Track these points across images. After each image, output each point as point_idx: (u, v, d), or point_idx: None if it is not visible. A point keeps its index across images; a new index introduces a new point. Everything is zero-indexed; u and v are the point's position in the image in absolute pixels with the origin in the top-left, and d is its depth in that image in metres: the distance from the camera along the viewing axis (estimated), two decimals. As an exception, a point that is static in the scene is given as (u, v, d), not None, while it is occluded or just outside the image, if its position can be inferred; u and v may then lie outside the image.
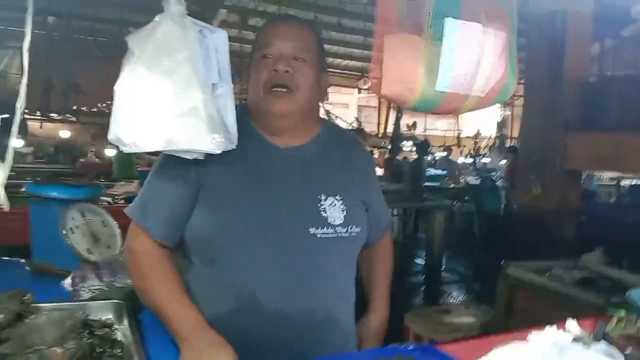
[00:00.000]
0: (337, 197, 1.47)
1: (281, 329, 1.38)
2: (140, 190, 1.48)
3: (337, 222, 1.44)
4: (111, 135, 1.27)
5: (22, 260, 1.96)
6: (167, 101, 1.29)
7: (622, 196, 8.62)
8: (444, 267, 6.95)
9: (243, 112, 1.48)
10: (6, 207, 1.29)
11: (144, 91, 1.29)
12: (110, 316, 1.40)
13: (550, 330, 0.77)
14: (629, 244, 5.30)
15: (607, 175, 10.67)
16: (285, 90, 1.44)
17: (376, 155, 11.67)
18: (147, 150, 1.33)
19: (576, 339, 0.81)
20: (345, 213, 1.46)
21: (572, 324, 0.85)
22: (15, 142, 1.45)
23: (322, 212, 1.43)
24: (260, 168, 1.45)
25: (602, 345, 0.83)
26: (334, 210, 1.45)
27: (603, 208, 7.47)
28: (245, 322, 1.37)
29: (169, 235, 1.41)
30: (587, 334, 0.84)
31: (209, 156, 1.36)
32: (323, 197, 1.45)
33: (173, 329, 1.31)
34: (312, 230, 1.40)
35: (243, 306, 1.38)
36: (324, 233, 1.42)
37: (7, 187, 1.36)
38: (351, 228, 1.46)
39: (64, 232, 1.89)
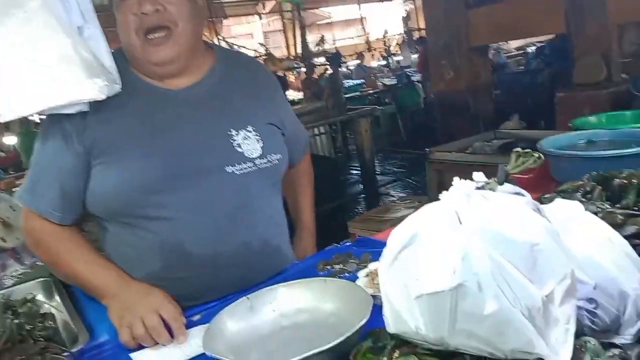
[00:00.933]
0: (249, 128, 1.40)
1: (216, 272, 1.36)
2: (28, 173, 1.38)
3: (255, 154, 1.39)
4: (-21, 107, 1.16)
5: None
6: (34, 55, 1.18)
7: (529, 62, 8.98)
8: (378, 171, 7.13)
9: (120, 58, 1.35)
10: None
11: (6, 50, 1.18)
12: (40, 296, 1.36)
13: (457, 183, 0.79)
14: (543, 105, 5.61)
15: (513, 46, 11.03)
16: (162, 33, 1.31)
17: (292, 79, 11.53)
18: (26, 114, 1.23)
19: (480, 187, 0.83)
20: (262, 144, 1.40)
21: (478, 175, 0.86)
22: None
23: (237, 148, 1.37)
24: (156, 117, 1.34)
25: (508, 186, 0.86)
26: (249, 143, 1.39)
27: (514, 77, 7.78)
28: (179, 275, 1.34)
29: (67, 214, 1.33)
30: (492, 179, 0.87)
31: (94, 117, 1.27)
32: (234, 132, 1.38)
33: (97, 292, 1.28)
34: (229, 169, 1.35)
35: (175, 261, 1.34)
36: (243, 169, 1.37)
37: None
38: (271, 157, 1.42)
39: (-30, 225, 1.77)
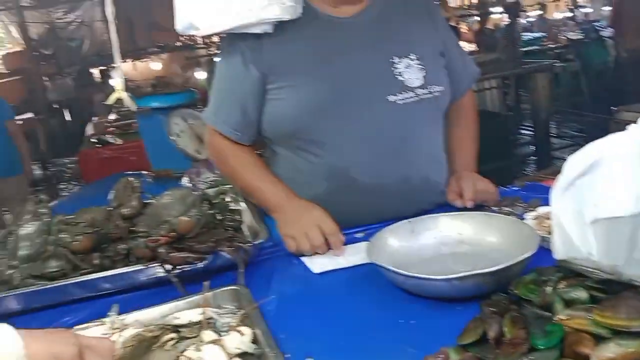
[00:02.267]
0: (412, 56, 1.40)
1: (377, 200, 1.42)
2: (210, 94, 1.53)
3: (417, 83, 1.39)
4: (180, 25, 1.31)
5: (144, 172, 2.16)
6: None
7: None
8: (553, 133, 6.62)
9: None
10: (133, 107, 1.41)
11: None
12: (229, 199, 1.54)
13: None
14: None
15: None
16: None
17: (464, 29, 11.01)
18: (221, 30, 1.35)
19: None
20: (424, 73, 1.41)
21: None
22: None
23: (397, 77, 1.39)
24: (325, 44, 1.40)
25: None
26: (410, 71, 1.40)
27: None
28: (342, 200, 1.41)
29: (245, 134, 1.45)
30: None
31: (270, 41, 1.36)
32: (396, 60, 1.39)
33: (264, 203, 1.40)
34: (391, 98, 1.38)
35: (337, 185, 1.41)
36: (405, 98, 1.38)
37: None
38: (432, 88, 1.41)
39: (172, 138, 2.05)
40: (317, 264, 1.24)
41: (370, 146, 1.39)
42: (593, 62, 7.80)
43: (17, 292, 1.15)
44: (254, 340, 0.93)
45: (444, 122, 1.56)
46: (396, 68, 1.39)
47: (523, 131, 7.12)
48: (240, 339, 0.92)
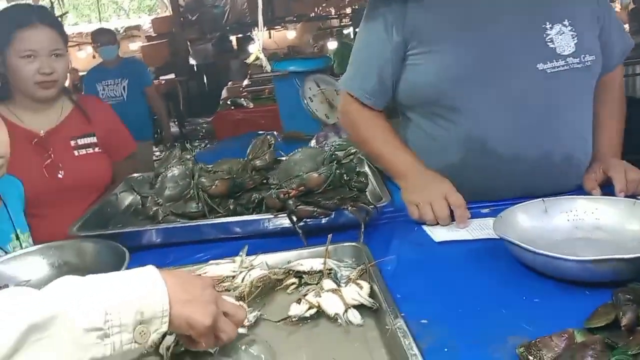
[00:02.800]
0: (565, 22, 1.32)
1: (514, 174, 1.36)
2: (350, 60, 1.53)
3: (568, 51, 1.31)
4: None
5: (275, 132, 2.25)
6: None
7: None
8: None
9: None
10: (268, 68, 1.49)
11: None
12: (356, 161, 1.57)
13: None
14: None
15: None
16: None
17: (617, 7, 10.01)
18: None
19: None
20: (576, 40, 1.32)
21: None
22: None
23: (549, 44, 1.31)
24: (473, 7, 1.34)
25: None
26: (562, 38, 1.31)
27: None
28: (477, 170, 1.37)
29: (380, 99, 1.45)
30: None
31: (415, 4, 1.33)
32: (548, 26, 1.32)
33: (391, 169, 1.41)
34: (540, 66, 1.31)
35: (475, 156, 1.37)
36: (554, 67, 1.31)
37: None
38: (584, 57, 1.32)
39: (305, 101, 2.11)
40: (439, 234, 1.23)
41: (512, 116, 1.33)
42: None
43: (161, 227, 1.27)
44: (371, 295, 0.95)
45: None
46: (548, 34, 1.32)
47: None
48: (358, 291, 0.95)
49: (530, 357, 0.75)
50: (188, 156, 1.45)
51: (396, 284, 1.01)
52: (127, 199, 1.54)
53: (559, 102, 1.34)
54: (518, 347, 0.78)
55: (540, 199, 1.19)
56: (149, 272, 0.73)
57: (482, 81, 1.33)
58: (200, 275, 0.98)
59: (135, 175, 1.62)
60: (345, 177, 1.25)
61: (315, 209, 1.18)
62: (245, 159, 1.43)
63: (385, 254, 1.15)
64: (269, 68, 1.73)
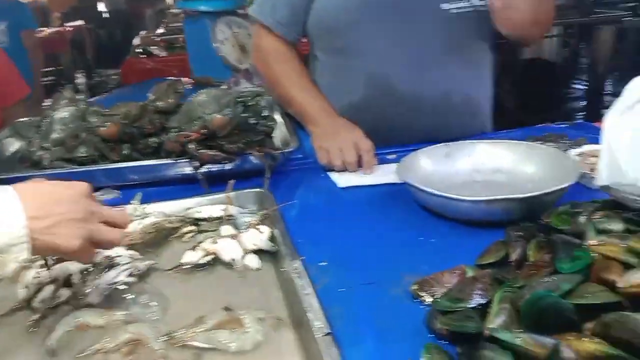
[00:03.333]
0: None
1: (415, 114, 1.36)
2: None
3: None
4: None
5: (183, 79, 2.14)
6: None
7: None
8: (609, 91, 6.29)
9: None
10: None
11: None
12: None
13: None
14: None
15: None
16: None
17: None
18: None
19: None
20: None
21: None
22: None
23: None
24: None
25: None
26: None
27: None
28: (381, 110, 1.37)
29: (292, 29, 1.41)
30: None
31: None
32: None
33: (302, 115, 1.38)
34: (445, 5, 1.30)
35: (376, 93, 1.36)
36: (459, 7, 1.31)
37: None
38: None
39: (215, 45, 2.01)
40: (344, 179, 1.22)
41: (414, 54, 1.33)
42: (668, 19, 7.25)
43: (45, 173, 1.16)
44: (272, 240, 0.93)
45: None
46: None
47: (577, 86, 6.79)
48: (258, 236, 0.92)
49: (422, 293, 0.76)
50: (81, 97, 1.33)
51: (298, 229, 0.99)
52: (14, 144, 1.41)
53: (462, 42, 1.35)
54: (412, 284, 0.78)
55: (444, 143, 1.20)
56: (4, 195, 0.65)
57: (383, 16, 1.31)
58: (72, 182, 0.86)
59: (23, 119, 1.48)
60: (252, 121, 1.19)
61: (218, 152, 1.12)
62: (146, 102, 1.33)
63: (290, 200, 1.12)
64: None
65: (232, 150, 1.12)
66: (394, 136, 1.37)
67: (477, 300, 0.68)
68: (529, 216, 0.92)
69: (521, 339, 0.58)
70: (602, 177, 0.75)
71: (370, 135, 1.29)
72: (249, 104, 1.19)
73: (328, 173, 1.26)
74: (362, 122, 1.32)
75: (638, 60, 7.39)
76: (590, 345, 0.56)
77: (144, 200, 1.07)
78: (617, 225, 0.74)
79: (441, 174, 1.15)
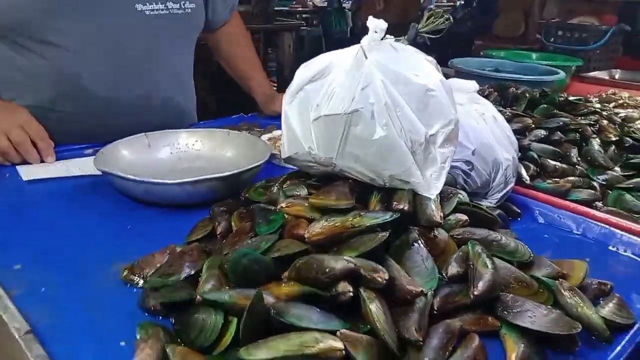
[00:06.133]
0: None
1: (112, 116, 1.32)
2: None
3: None
4: None
5: None
6: None
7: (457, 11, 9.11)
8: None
9: None
10: None
11: None
12: None
13: (371, 23, 0.81)
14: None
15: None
16: None
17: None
18: None
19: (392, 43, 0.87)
20: None
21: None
22: None
23: None
24: None
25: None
26: None
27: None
28: (69, 112, 1.29)
29: None
30: (403, 37, 0.91)
31: None
32: None
33: None
34: (139, 6, 1.29)
35: (67, 95, 1.28)
36: (154, 10, 1.31)
37: None
38: (184, 4, 1.36)
39: None
40: (28, 172, 1.11)
41: (109, 55, 1.28)
42: (333, 30, 8.55)
43: None
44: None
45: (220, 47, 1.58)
46: None
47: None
48: None
49: (134, 277, 0.75)
50: None
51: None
52: None
53: (159, 45, 1.36)
54: (122, 270, 0.77)
55: (143, 133, 1.19)
56: None
57: (74, 15, 1.23)
58: None
59: None
60: None
61: None
62: None
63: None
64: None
65: None
66: (90, 135, 1.29)
67: (187, 272, 0.71)
68: (231, 194, 0.99)
69: (229, 295, 0.62)
70: (285, 151, 0.85)
71: (58, 133, 1.21)
72: None
73: (16, 167, 1.13)
74: (49, 121, 1.23)
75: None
76: (286, 288, 0.63)
77: None
78: (302, 190, 0.86)
79: (145, 163, 1.15)
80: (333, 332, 0.57)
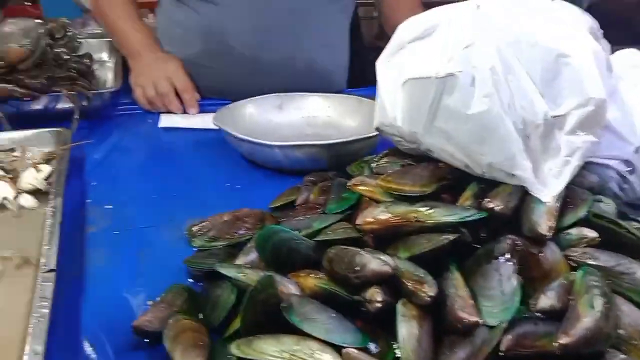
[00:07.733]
0: None
1: (254, 76, 1.28)
2: None
3: None
4: None
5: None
6: None
7: None
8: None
9: None
10: None
11: None
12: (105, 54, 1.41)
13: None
14: None
15: None
16: None
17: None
18: None
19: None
20: None
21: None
22: None
23: None
24: None
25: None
26: None
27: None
28: (217, 67, 1.29)
29: None
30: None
31: None
32: None
33: (124, 46, 1.27)
34: None
35: (211, 49, 1.28)
36: None
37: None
38: None
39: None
40: (166, 120, 1.15)
41: (255, 15, 1.25)
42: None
43: None
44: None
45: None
46: None
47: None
48: (34, 176, 0.83)
49: (194, 234, 0.71)
50: None
51: (97, 172, 0.93)
52: None
53: (305, 6, 1.29)
54: (188, 227, 0.74)
55: (277, 94, 1.15)
56: None
57: None
58: None
59: None
60: (65, 57, 1.09)
61: (16, 87, 1.01)
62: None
63: (103, 142, 1.04)
64: None
65: (32, 86, 1.01)
66: (232, 92, 1.29)
67: (231, 238, 0.65)
68: (338, 165, 0.89)
69: (245, 274, 0.54)
70: (375, 119, 0.73)
71: (202, 86, 1.23)
72: (57, 36, 1.08)
73: (160, 115, 1.19)
74: (197, 76, 1.25)
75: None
76: (312, 280, 0.53)
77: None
78: (395, 167, 0.72)
79: (271, 125, 1.10)
80: (339, 347, 0.46)
